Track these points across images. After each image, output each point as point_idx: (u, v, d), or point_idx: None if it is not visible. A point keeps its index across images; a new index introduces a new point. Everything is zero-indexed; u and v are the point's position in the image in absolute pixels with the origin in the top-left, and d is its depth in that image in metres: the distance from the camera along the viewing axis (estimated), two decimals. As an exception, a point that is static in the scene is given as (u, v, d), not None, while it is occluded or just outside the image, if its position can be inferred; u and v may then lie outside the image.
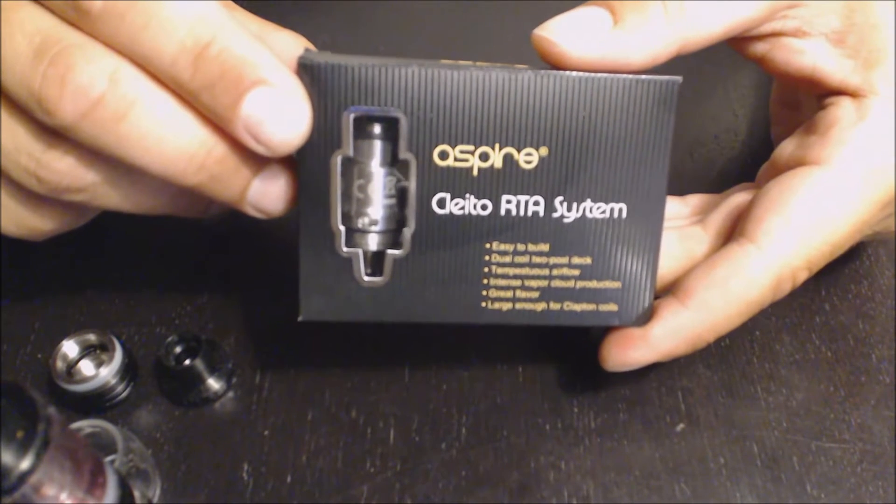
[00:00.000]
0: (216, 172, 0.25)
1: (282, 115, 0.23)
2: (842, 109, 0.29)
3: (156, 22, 0.23)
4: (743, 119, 0.42)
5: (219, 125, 0.24)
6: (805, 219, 0.28)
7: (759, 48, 0.29)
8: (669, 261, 0.30)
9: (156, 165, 0.24)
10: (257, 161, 0.25)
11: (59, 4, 0.23)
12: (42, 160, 0.24)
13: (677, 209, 0.34)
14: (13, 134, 0.24)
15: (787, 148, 0.30)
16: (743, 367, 0.32)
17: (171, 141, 0.24)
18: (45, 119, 0.23)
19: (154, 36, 0.23)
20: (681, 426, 0.31)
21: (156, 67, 0.23)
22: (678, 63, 0.26)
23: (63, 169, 0.25)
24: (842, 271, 0.35)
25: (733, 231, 0.30)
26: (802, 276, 0.28)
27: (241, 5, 0.28)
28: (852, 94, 0.29)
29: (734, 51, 0.30)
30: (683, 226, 0.32)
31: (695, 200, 0.34)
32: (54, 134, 0.24)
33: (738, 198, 0.31)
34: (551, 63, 0.26)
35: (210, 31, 0.23)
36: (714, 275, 0.28)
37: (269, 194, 0.26)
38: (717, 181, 0.39)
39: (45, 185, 0.25)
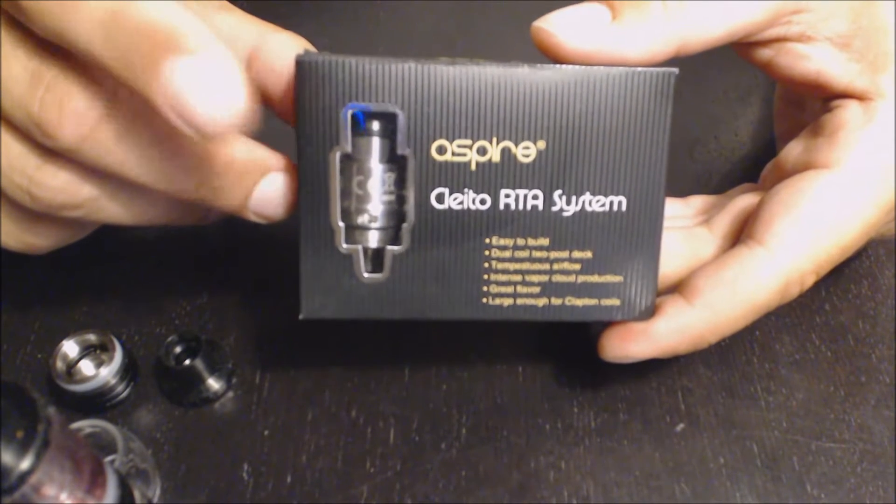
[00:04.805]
0: (218, 185, 0.25)
1: (207, 87, 0.20)
2: (849, 112, 0.29)
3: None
4: (743, 119, 0.43)
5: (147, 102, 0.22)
6: (814, 222, 0.28)
7: (764, 54, 0.29)
8: (675, 260, 0.30)
9: (159, 183, 0.24)
10: (258, 169, 0.25)
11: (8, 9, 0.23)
12: (35, 178, 0.24)
13: (680, 210, 0.34)
14: (6, 152, 0.24)
15: (793, 150, 0.30)
16: (743, 367, 0.32)
17: (173, 158, 0.24)
18: (46, 142, 0.23)
19: (70, 14, 0.21)
20: (681, 426, 0.31)
21: (79, 48, 0.22)
22: (679, 62, 0.26)
23: (57, 186, 0.24)
24: (842, 271, 0.35)
25: (740, 233, 0.30)
26: (810, 280, 0.28)
27: (241, 6, 0.28)
28: (859, 97, 0.29)
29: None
30: (688, 226, 0.32)
31: (697, 202, 0.34)
32: (47, 152, 0.24)
33: (744, 199, 0.31)
34: (548, 54, 0.26)
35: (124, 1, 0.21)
36: (722, 276, 0.28)
37: (270, 201, 0.26)
38: (717, 181, 0.39)
39: (39, 203, 0.25)
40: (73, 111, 0.23)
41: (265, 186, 0.26)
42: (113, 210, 0.26)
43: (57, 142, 0.23)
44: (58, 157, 0.24)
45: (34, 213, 0.26)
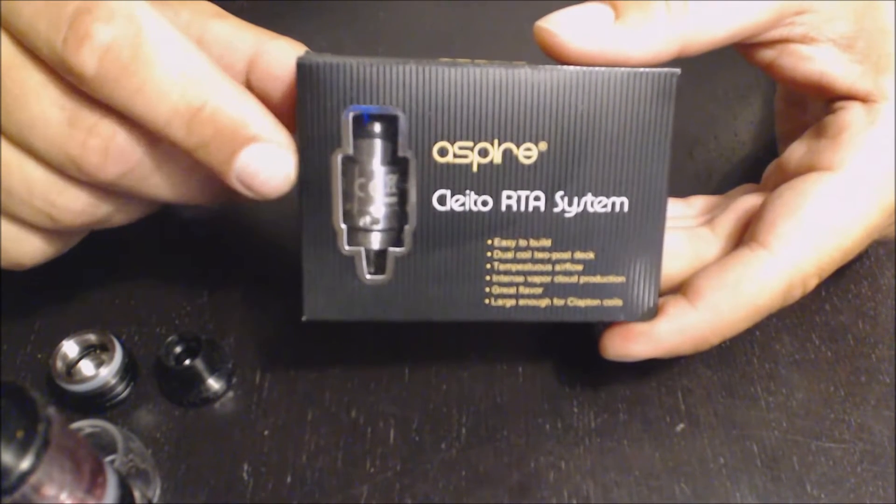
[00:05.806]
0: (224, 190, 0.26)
1: (273, 166, 0.25)
2: (852, 114, 0.29)
3: (149, 87, 0.23)
4: (743, 119, 0.42)
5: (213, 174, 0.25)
6: (818, 225, 0.28)
7: (767, 55, 0.29)
8: (678, 261, 0.30)
9: (186, 199, 0.27)
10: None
11: (58, 68, 0.23)
12: (57, 202, 0.25)
13: (681, 211, 0.34)
14: (27, 179, 0.25)
15: (796, 151, 0.30)
16: (743, 367, 0.32)
17: (202, 178, 0.27)
18: (82, 178, 0.25)
19: (148, 100, 0.23)
20: (681, 426, 0.31)
21: (152, 126, 0.24)
22: (679, 62, 0.26)
23: (79, 209, 0.26)
24: (842, 272, 0.35)
25: (743, 234, 0.30)
26: (813, 282, 0.28)
27: (241, 6, 0.28)
28: (862, 98, 0.29)
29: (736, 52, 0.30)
30: (691, 227, 0.32)
31: (699, 202, 0.34)
32: (69, 177, 0.25)
33: (747, 200, 0.31)
34: (550, 54, 0.26)
35: (202, 94, 0.24)
36: (725, 277, 0.28)
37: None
38: (717, 181, 0.39)
39: (59, 224, 0.26)
40: (120, 153, 0.24)
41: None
42: (121, 218, 0.28)
43: (99, 179, 0.25)
44: (79, 181, 0.25)
45: (32, 231, 0.26)
